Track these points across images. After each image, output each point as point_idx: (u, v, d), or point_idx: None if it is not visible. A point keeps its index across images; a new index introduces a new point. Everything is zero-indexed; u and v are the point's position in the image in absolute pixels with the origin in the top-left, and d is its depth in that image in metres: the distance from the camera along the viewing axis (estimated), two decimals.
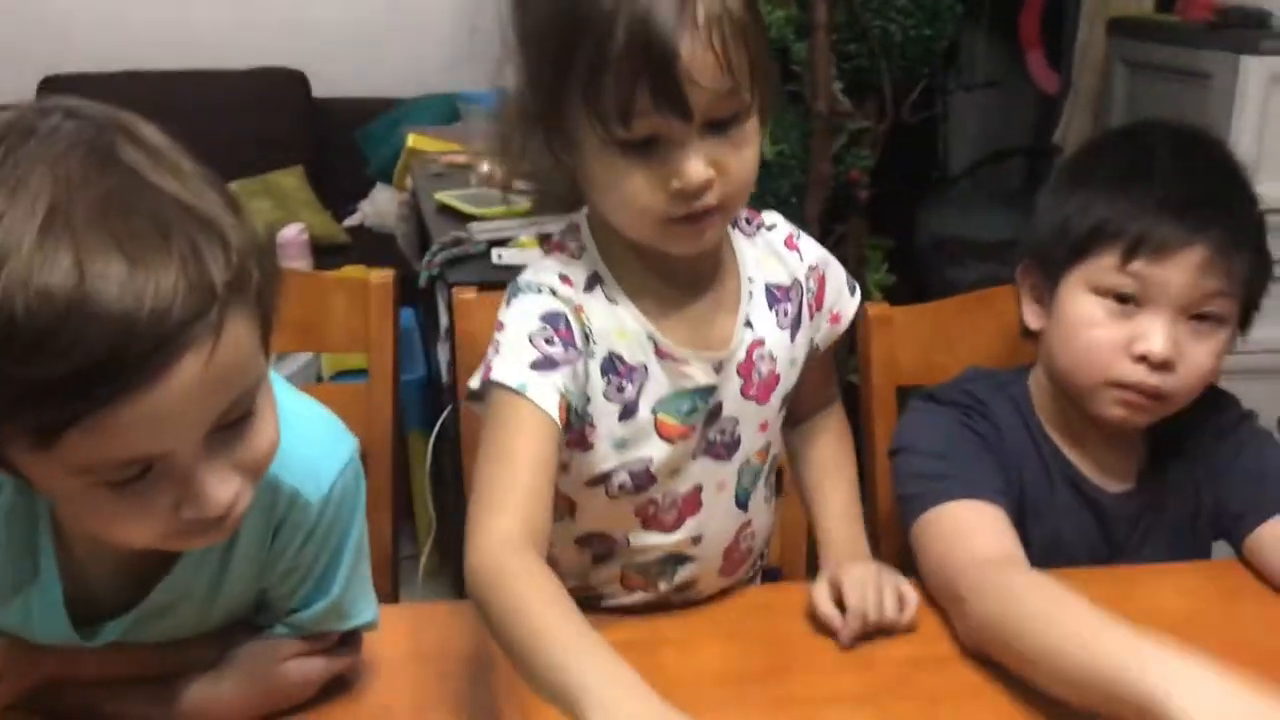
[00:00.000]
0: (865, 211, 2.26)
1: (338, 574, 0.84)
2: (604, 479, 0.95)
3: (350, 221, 3.45)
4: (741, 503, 1.02)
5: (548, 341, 0.88)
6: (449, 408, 2.01)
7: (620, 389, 0.92)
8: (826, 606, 0.96)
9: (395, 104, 3.61)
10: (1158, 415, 1.05)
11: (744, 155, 0.87)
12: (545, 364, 0.87)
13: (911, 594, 0.98)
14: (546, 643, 0.71)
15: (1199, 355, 1.02)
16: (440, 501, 2.30)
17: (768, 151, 2.06)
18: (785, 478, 1.21)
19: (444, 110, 3.50)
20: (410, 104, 3.59)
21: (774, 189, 2.10)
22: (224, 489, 0.67)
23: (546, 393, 0.85)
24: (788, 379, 1.01)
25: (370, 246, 3.16)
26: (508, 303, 0.92)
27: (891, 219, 2.65)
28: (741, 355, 0.96)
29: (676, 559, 1.01)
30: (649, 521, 0.98)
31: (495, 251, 1.96)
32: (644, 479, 0.96)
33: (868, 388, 1.35)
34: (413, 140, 2.92)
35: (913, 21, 2.06)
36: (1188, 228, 1.00)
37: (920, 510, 1.03)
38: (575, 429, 0.91)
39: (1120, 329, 1.02)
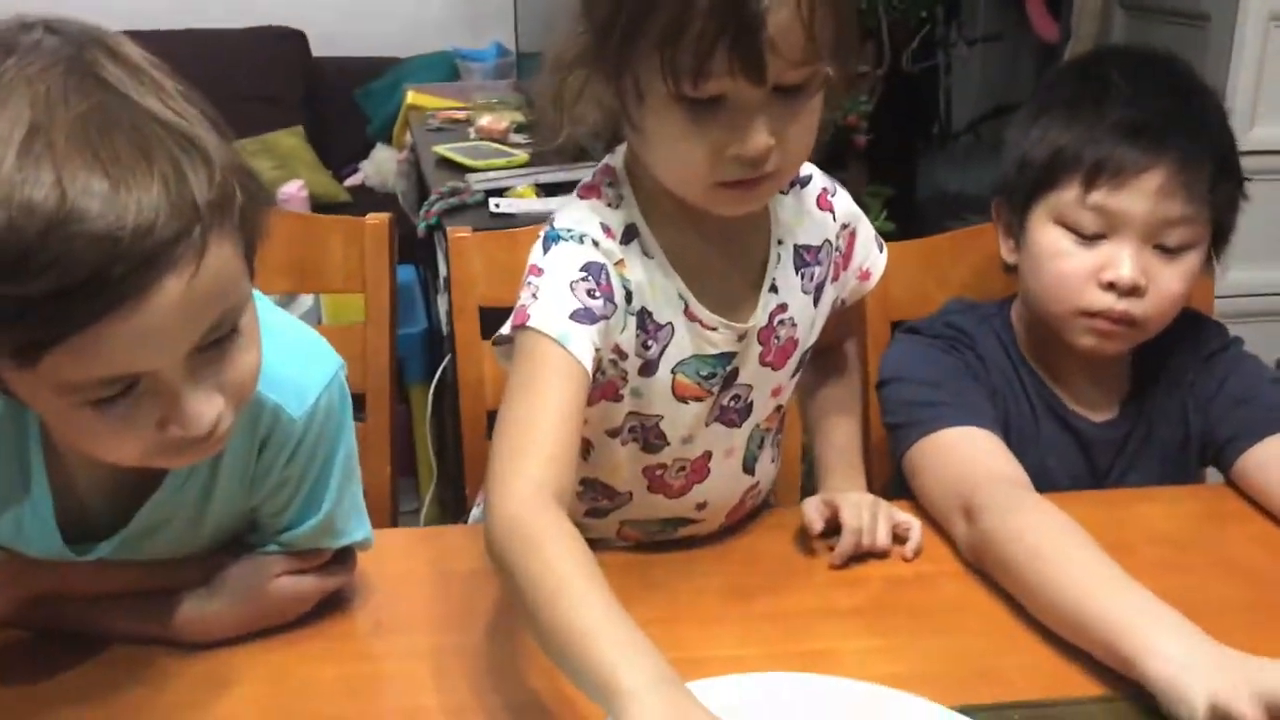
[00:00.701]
0: (864, 158, 2.25)
1: (327, 490, 0.85)
2: (619, 429, 0.95)
3: (351, 181, 3.45)
4: (749, 468, 1.01)
5: (589, 294, 0.85)
6: (448, 357, 2.02)
7: (646, 345, 0.90)
8: (813, 513, 0.97)
9: (394, 63, 3.60)
10: (1133, 342, 1.06)
11: (806, 126, 0.83)
12: (584, 315, 0.84)
13: (915, 521, 0.98)
14: (580, 627, 0.68)
15: (1168, 280, 1.03)
16: (441, 454, 2.32)
17: None
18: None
19: (443, 68, 3.49)
20: (409, 63, 3.58)
21: None
22: (208, 408, 0.68)
23: (584, 345, 0.83)
24: (805, 342, 0.99)
25: (371, 206, 3.12)
26: (544, 249, 0.88)
27: (893, 171, 2.65)
28: (764, 320, 0.94)
29: (678, 522, 1.00)
30: (655, 485, 0.98)
31: (493, 200, 1.97)
32: (655, 436, 0.95)
33: (861, 320, 1.36)
34: (412, 97, 2.92)
35: None
36: (1143, 150, 1.00)
37: (918, 436, 1.04)
38: (603, 383, 0.90)
39: (1088, 257, 1.03)
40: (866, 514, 0.97)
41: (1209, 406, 1.11)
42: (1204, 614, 0.79)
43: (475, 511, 1.15)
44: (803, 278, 0.96)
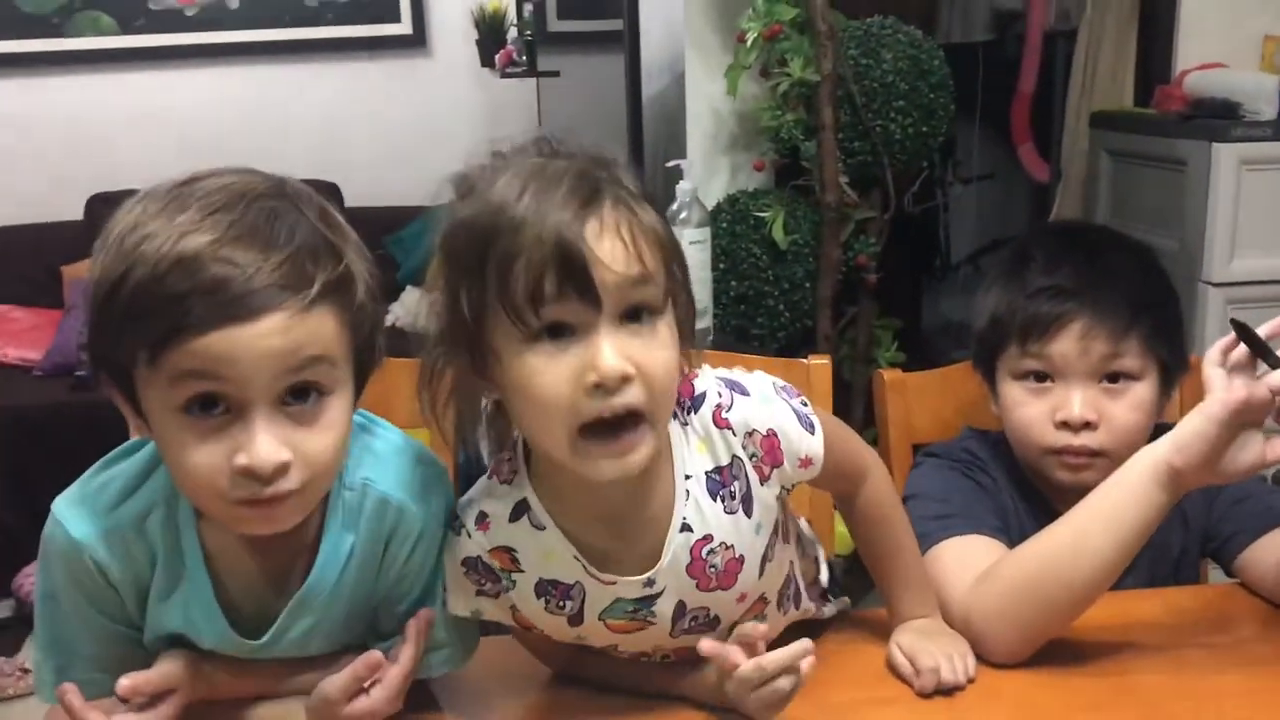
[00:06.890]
0: (874, 294, 2.41)
1: (440, 579, 0.97)
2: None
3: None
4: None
5: (478, 581, 0.95)
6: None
7: (561, 605, 0.95)
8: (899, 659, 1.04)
9: (422, 211, 3.80)
10: (1106, 471, 1.08)
11: (660, 355, 0.83)
12: (486, 591, 0.96)
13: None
14: None
15: (1118, 410, 1.17)
16: None
17: (781, 240, 2.22)
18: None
19: None
20: (437, 210, 3.76)
21: (789, 274, 2.26)
22: (274, 450, 0.81)
23: (493, 611, 0.98)
24: (754, 551, 0.97)
25: (403, 343, 3.30)
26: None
27: (900, 303, 2.81)
28: (685, 558, 0.94)
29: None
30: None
31: None
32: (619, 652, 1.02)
33: (885, 446, 1.48)
34: None
35: (910, 120, 2.24)
36: (1059, 307, 1.17)
37: (929, 547, 1.16)
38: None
39: (1043, 403, 1.19)
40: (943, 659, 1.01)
41: (1211, 509, 1.22)
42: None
43: None
44: (722, 500, 0.95)
